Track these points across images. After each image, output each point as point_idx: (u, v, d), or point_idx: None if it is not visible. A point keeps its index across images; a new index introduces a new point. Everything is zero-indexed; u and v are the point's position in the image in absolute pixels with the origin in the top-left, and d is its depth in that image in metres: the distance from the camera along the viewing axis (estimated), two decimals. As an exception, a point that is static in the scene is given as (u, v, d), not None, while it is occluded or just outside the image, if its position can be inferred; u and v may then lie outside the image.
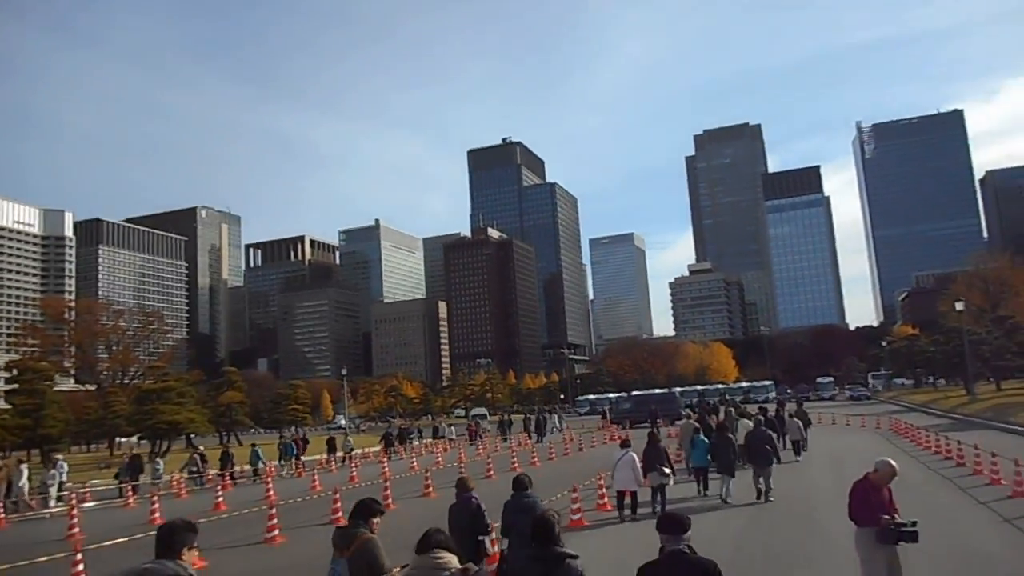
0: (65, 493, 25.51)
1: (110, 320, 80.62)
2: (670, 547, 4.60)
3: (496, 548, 8.16)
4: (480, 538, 7.94)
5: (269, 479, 27.31)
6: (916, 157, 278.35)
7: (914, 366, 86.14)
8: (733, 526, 13.52)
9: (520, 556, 7.20)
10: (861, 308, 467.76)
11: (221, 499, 23.23)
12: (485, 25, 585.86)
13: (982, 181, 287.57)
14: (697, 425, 21.52)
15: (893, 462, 7.82)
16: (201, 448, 35.19)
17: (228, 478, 29.14)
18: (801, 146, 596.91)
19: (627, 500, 15.44)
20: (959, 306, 47.35)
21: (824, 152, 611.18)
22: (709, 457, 18.17)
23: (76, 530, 17.80)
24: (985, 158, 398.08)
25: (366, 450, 46.99)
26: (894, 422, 35.82)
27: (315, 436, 51.70)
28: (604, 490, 16.53)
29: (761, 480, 16.65)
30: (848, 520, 7.84)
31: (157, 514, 19.76)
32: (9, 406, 55.27)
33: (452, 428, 54.27)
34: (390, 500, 19.56)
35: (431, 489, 22.06)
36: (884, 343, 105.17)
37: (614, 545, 12.90)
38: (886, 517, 7.43)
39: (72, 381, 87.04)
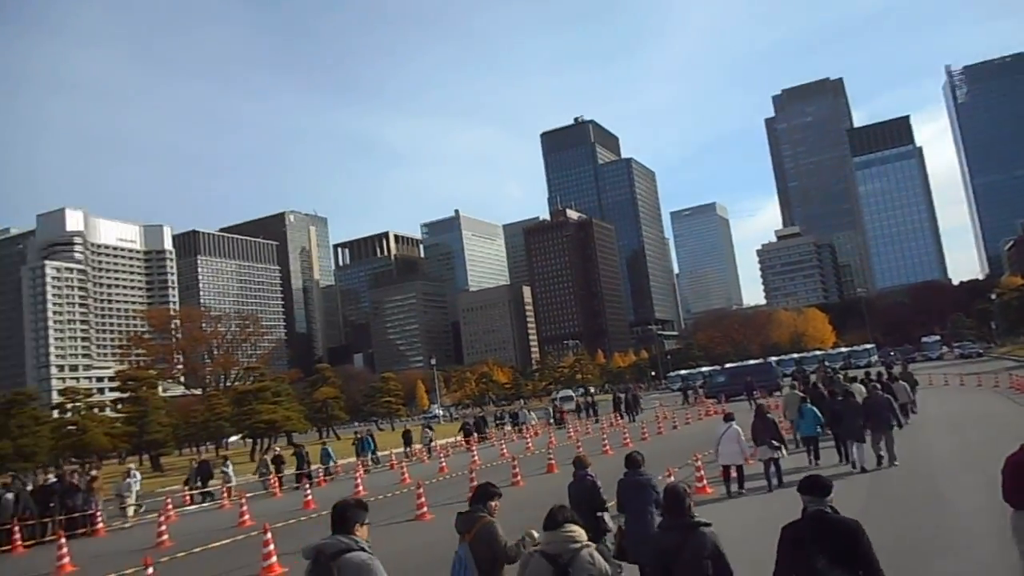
0: (138, 503, 25.91)
1: (210, 326, 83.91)
2: (812, 508, 4.70)
3: (613, 525, 8.17)
4: (599, 514, 8.03)
5: (358, 475, 27.16)
6: (1013, 97, 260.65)
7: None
8: (856, 501, 12.17)
9: (637, 531, 7.49)
10: (964, 262, 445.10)
11: (310, 498, 23.18)
12: (544, 4, 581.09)
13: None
14: (802, 394, 20.69)
15: None
16: (277, 449, 35.14)
17: (305, 479, 28.63)
18: (888, 98, 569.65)
19: (733, 475, 15.02)
20: (1079, 250, 43.39)
21: (913, 101, 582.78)
22: (820, 427, 17.82)
23: (164, 537, 18.14)
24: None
25: (449, 440, 45.60)
26: (1014, 378, 33.19)
27: (403, 428, 51.43)
28: (701, 472, 15.60)
29: (883, 446, 16.08)
30: (987, 497, 6.59)
31: (246, 517, 19.88)
32: (118, 415, 57.81)
33: (532, 413, 52.92)
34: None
35: (519, 477, 21.50)
36: (993, 296, 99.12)
37: (721, 523, 11.99)
38: None
39: (181, 388, 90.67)
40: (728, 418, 15.22)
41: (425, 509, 17.17)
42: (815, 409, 18.10)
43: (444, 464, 28.69)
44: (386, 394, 79.08)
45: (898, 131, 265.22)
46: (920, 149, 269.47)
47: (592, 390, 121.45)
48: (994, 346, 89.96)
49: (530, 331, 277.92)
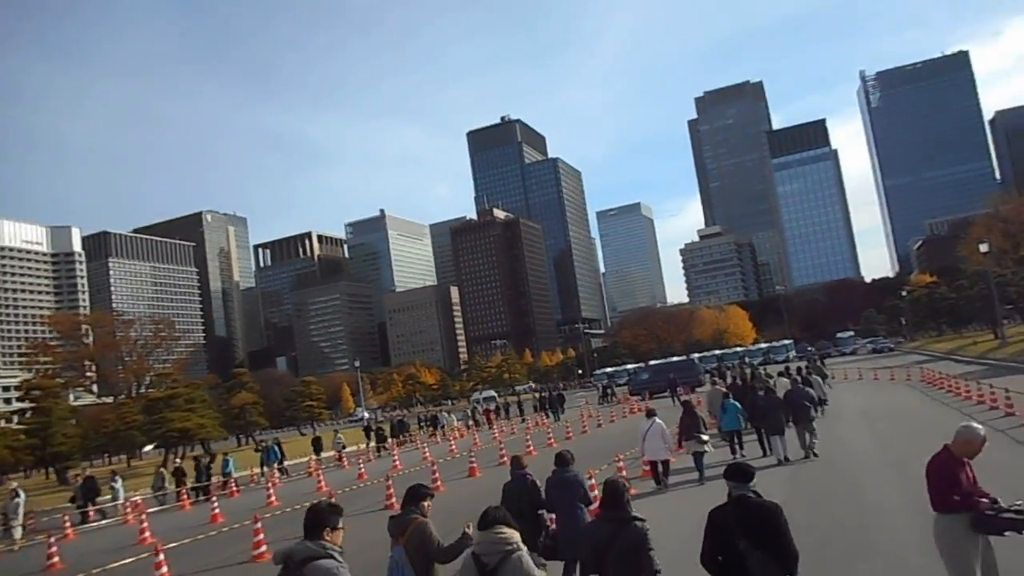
0: (24, 523, 23.94)
1: (121, 331, 79.98)
2: (736, 493, 5.02)
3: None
4: (539, 512, 8.13)
5: (270, 485, 25.79)
6: (923, 103, 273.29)
7: (936, 315, 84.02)
8: (778, 494, 11.77)
9: (567, 527, 7.67)
10: (876, 260, 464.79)
11: (216, 511, 21.85)
12: (473, 5, 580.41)
13: (991, 122, 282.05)
14: (724, 390, 21.38)
15: (979, 427, 6.01)
16: (178, 461, 33.42)
17: (215, 491, 27.44)
18: (805, 102, 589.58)
19: (660, 469, 15.28)
20: (983, 248, 45.14)
21: (829, 105, 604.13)
22: (744, 420, 18.37)
23: (55, 559, 16.63)
24: (993, 99, 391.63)
25: (360, 446, 43.22)
26: (925, 372, 34.13)
27: (326, 432, 49.08)
28: (624, 472, 15.15)
29: (806, 436, 16.73)
30: (906, 494, 6.20)
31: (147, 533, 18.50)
32: (20, 427, 54.34)
33: (452, 416, 50.69)
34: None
35: (439, 482, 20.64)
36: (904, 292, 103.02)
37: (651, 515, 11.68)
38: (984, 500, 5.69)
39: (93, 396, 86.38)
40: (651, 414, 15.39)
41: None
42: (737, 404, 18.53)
43: (363, 470, 27.60)
44: (307, 398, 76.73)
45: (814, 134, 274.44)
46: (835, 151, 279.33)
47: (525, 388, 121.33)
48: (904, 341, 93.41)
49: (458, 331, 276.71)
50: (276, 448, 33.20)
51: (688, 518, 11.81)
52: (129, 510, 25.38)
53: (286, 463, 33.85)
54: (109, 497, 27.16)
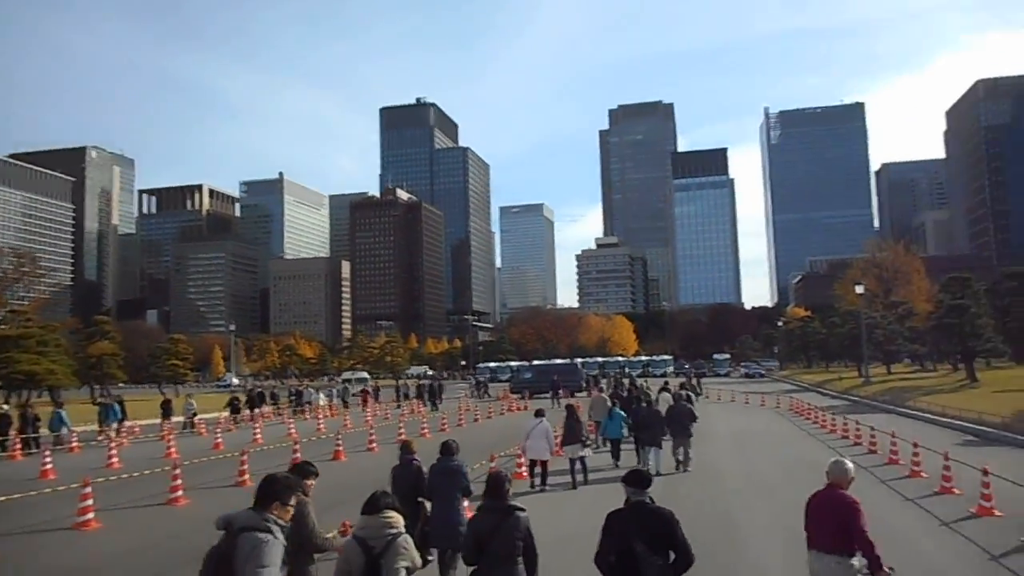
0: None
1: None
2: (635, 498, 5.22)
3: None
4: (419, 500, 8.17)
5: (113, 444, 23.74)
6: (818, 146, 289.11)
7: (807, 347, 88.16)
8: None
9: (444, 516, 7.69)
10: (757, 289, 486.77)
11: (49, 466, 19.79)
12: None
13: (877, 173, 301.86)
14: (607, 398, 22.14)
15: (849, 464, 5.95)
16: (4, 407, 29.91)
17: (19, 444, 24.95)
18: (711, 129, 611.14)
19: (537, 469, 15.25)
20: (859, 289, 47.52)
21: (732, 136, 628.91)
22: (625, 430, 18.70)
23: None
24: (881, 151, 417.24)
25: (218, 415, 39.38)
26: (794, 402, 35.33)
27: (197, 395, 45.15)
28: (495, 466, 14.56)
29: (681, 451, 17.23)
30: (773, 521, 6.17)
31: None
32: None
33: (320, 393, 47.07)
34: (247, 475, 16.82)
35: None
36: (780, 323, 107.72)
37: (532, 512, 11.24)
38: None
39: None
40: (539, 414, 15.40)
41: (180, 492, 14.76)
42: (623, 413, 19.11)
43: (220, 441, 25.85)
44: (173, 356, 72.61)
45: (715, 161, 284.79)
46: (732, 180, 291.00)
47: (423, 372, 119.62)
48: (776, 368, 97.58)
49: (344, 308, 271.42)
50: (117, 406, 30.33)
51: (565, 519, 12.01)
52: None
53: (127, 423, 31.01)
54: None
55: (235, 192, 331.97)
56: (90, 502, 12.66)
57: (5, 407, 27.95)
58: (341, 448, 21.80)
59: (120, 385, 71.39)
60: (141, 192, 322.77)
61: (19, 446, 24.88)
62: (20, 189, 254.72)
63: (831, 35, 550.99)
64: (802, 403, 33.96)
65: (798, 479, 15.50)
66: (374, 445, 23.61)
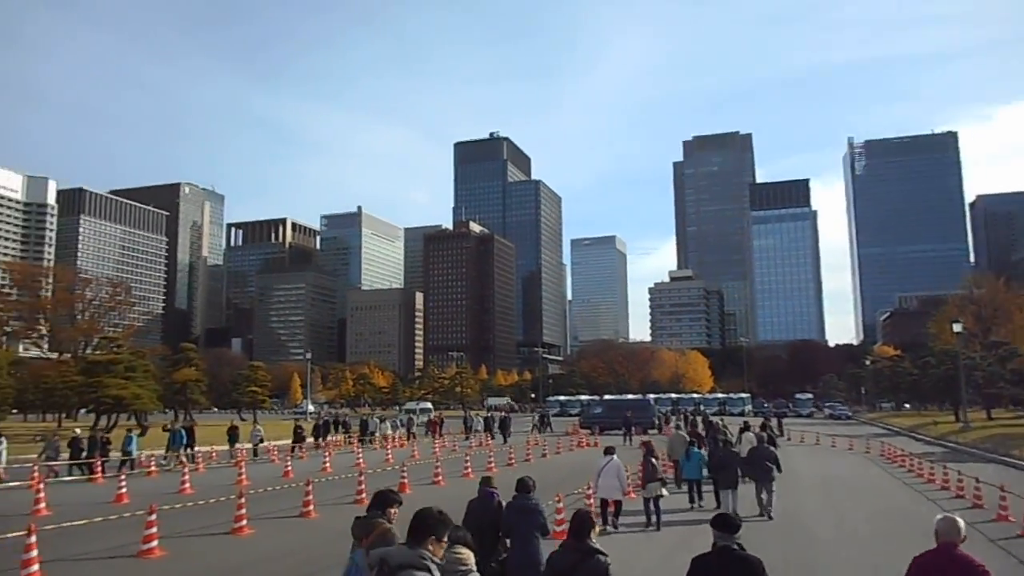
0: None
1: (78, 289, 77.67)
2: (721, 543, 5.15)
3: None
4: (500, 535, 8.07)
5: (186, 469, 23.45)
6: (907, 177, 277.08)
7: (897, 388, 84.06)
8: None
9: (522, 555, 7.67)
10: (841, 326, 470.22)
11: (124, 491, 19.89)
12: (478, 18, 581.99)
13: (972, 205, 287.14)
14: (687, 436, 21.20)
15: (961, 522, 5.10)
16: (76, 431, 29.66)
17: (100, 468, 25.37)
18: (791, 160, 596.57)
19: (610, 509, 14.56)
20: (957, 328, 44.37)
21: (814, 167, 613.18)
22: (706, 471, 17.82)
23: None
24: (976, 182, 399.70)
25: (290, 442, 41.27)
26: (885, 447, 33.21)
27: (273, 421, 45.46)
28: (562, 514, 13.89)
29: (764, 495, 16.24)
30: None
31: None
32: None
33: (387, 423, 46.75)
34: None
35: (364, 495, 19.00)
36: (868, 362, 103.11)
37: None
38: None
39: (42, 350, 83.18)
40: (609, 451, 14.72)
41: (244, 522, 14.57)
42: (702, 453, 18.35)
43: (290, 468, 25.81)
44: (253, 383, 74.16)
45: (797, 192, 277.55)
46: (815, 212, 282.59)
47: (503, 403, 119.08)
48: (862, 410, 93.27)
49: (417, 338, 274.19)
50: (183, 432, 30.63)
51: (642, 561, 11.59)
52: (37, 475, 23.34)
53: (198, 448, 31.42)
54: None
55: (316, 225, 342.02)
56: (155, 529, 12.58)
57: (77, 431, 28.51)
58: (406, 480, 21.35)
59: (203, 410, 73.34)
60: (229, 226, 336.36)
61: (100, 470, 25.28)
62: (119, 223, 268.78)
63: (919, 62, 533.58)
64: (894, 448, 31.87)
65: (893, 532, 14.27)
66: (439, 478, 23.14)
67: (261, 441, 34.11)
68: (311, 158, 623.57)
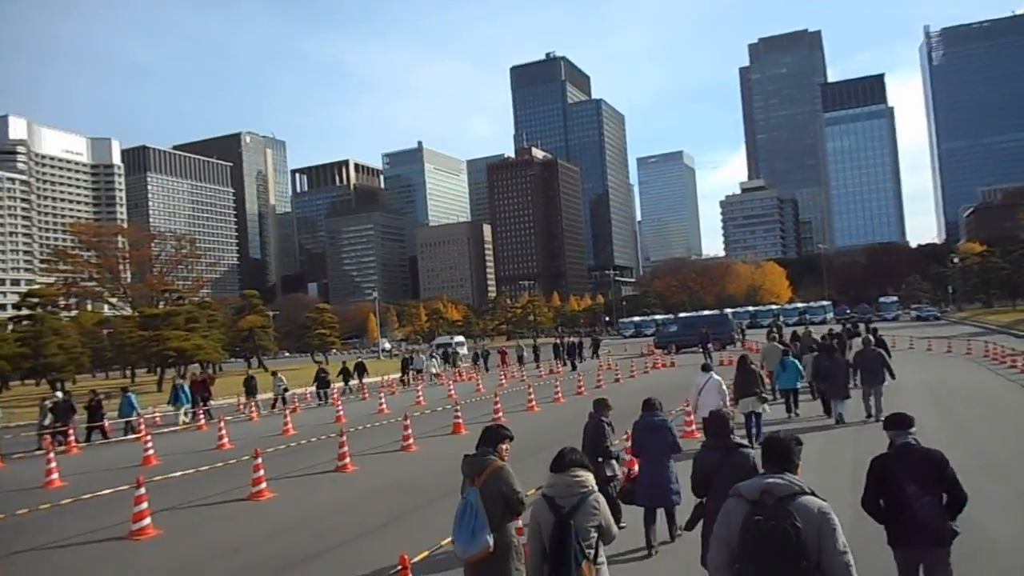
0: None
1: (144, 244, 78.68)
2: (900, 441, 5.23)
3: (619, 470, 8.44)
4: (599, 459, 8.03)
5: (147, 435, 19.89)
6: (988, 64, 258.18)
7: (987, 285, 79.05)
8: (846, 455, 12.18)
9: (651, 474, 7.75)
10: (922, 226, 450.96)
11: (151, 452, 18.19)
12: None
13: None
14: (781, 346, 20.74)
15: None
16: (57, 395, 26.00)
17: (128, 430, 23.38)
18: (863, 56, 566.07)
19: None
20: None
21: (888, 62, 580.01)
22: (806, 380, 18.03)
23: None
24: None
25: (381, 378, 40.00)
26: (989, 347, 30.17)
27: (348, 362, 42.61)
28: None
29: (872, 399, 15.90)
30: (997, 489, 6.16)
31: None
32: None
33: (433, 359, 44.24)
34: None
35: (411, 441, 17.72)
36: (955, 260, 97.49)
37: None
38: None
39: (115, 308, 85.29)
40: (706, 368, 14.28)
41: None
42: (797, 362, 18.00)
43: (341, 413, 24.69)
44: (320, 326, 74.28)
45: (872, 89, 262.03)
46: (891, 109, 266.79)
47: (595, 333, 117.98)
48: (950, 310, 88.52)
49: (488, 270, 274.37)
50: (185, 389, 27.19)
51: None
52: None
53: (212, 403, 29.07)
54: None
55: (378, 164, 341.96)
56: (261, 472, 12.52)
57: (58, 395, 25.32)
58: (460, 420, 19.93)
59: (275, 355, 74.18)
60: (293, 172, 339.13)
61: (72, 439, 22.26)
62: (185, 177, 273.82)
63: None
64: (998, 348, 28.93)
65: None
66: (533, 403, 22.70)
67: (285, 390, 31.28)
68: (366, 98, 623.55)
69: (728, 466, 5.36)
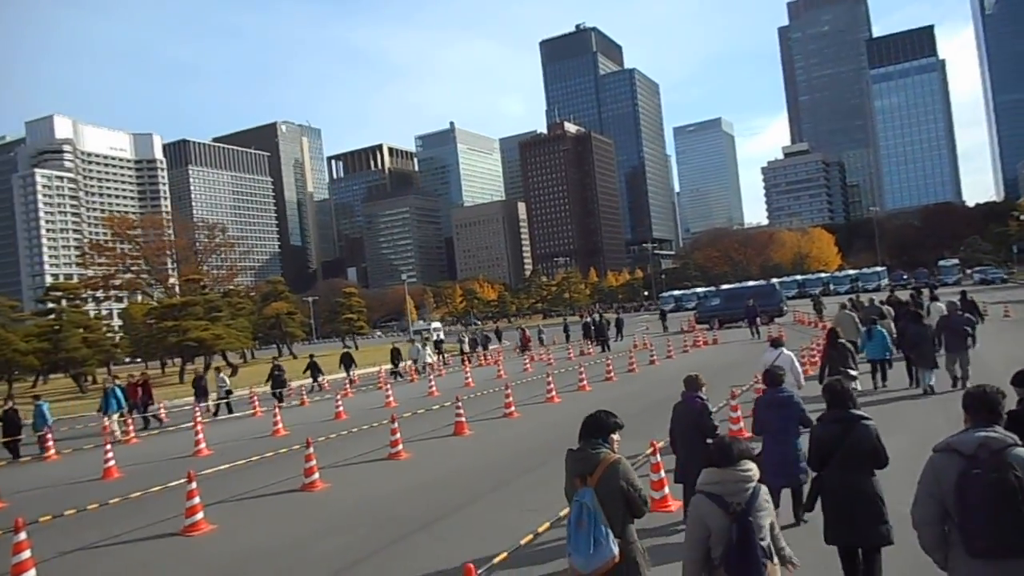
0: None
1: (176, 235, 78.09)
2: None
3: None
4: (708, 441, 7.50)
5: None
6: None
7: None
8: (933, 424, 11.24)
9: (778, 452, 7.43)
10: (978, 185, 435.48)
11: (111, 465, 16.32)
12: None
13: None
14: (854, 316, 19.67)
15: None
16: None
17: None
18: (910, 8, 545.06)
19: None
20: None
21: (938, 12, 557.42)
22: (895, 348, 17.31)
23: None
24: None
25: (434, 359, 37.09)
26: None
27: (372, 347, 39.47)
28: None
29: (958, 366, 15.23)
30: None
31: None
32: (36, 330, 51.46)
33: (427, 349, 37.97)
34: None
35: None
36: (1018, 217, 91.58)
37: None
38: None
39: (152, 299, 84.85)
40: (776, 344, 12.93)
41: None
42: (884, 331, 17.02)
43: (341, 409, 21.95)
44: (348, 310, 72.03)
45: (920, 42, 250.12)
46: (943, 63, 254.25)
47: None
48: (1017, 272, 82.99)
49: (524, 248, 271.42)
50: (119, 392, 23.05)
51: None
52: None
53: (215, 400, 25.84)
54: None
55: (411, 147, 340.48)
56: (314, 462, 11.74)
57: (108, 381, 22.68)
58: (463, 419, 16.92)
59: (302, 342, 72.32)
60: (329, 159, 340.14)
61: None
62: (225, 169, 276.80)
63: None
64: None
65: None
66: (584, 382, 21.26)
67: (229, 392, 26.71)
68: (400, 82, 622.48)
69: (849, 440, 5.23)
